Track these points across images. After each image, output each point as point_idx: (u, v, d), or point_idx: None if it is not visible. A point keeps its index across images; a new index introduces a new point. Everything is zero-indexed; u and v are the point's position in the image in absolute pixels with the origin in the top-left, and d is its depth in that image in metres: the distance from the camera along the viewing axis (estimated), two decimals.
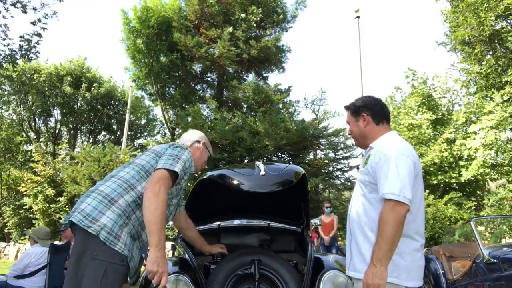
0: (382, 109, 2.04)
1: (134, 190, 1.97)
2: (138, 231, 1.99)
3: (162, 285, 1.86)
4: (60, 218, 13.64)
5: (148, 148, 2.21)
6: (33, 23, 8.21)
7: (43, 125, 21.66)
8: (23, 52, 8.35)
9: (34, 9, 8.26)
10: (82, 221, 1.82)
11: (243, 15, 12.34)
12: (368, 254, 1.79)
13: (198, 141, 2.43)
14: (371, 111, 2.01)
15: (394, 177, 1.72)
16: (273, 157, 11.17)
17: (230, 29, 12.04)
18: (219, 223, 3.60)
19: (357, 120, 2.04)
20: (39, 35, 8.28)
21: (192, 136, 2.47)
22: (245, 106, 12.88)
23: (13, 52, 8.34)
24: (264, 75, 14.32)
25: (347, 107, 2.13)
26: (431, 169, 9.72)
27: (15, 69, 10.38)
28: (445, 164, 9.97)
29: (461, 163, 10.05)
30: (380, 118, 2.01)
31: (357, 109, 2.05)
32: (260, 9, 12.42)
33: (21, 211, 16.75)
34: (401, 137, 2.01)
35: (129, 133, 19.78)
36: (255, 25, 12.75)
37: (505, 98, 10.52)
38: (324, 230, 7.57)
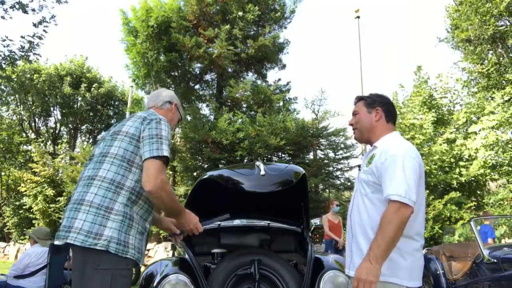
0: (395, 111, 2.06)
1: (123, 189, 1.78)
2: (143, 225, 1.86)
3: (199, 229, 2.03)
4: (59, 218, 13.63)
5: (116, 130, 1.92)
6: (35, 25, 8.22)
7: (43, 125, 21.67)
8: (23, 53, 8.36)
9: (33, 10, 8.27)
10: (86, 241, 1.68)
11: (240, 13, 12.33)
12: None
13: (170, 102, 2.19)
14: (386, 108, 2.01)
15: (401, 178, 1.70)
16: (273, 157, 11.17)
17: (228, 26, 12.03)
18: (219, 223, 3.60)
19: (369, 112, 2.01)
20: (40, 37, 8.29)
21: (163, 96, 2.19)
22: (245, 106, 12.88)
23: (12, 53, 8.35)
24: (264, 73, 14.30)
25: (360, 97, 2.10)
26: (432, 169, 9.70)
27: (14, 69, 10.39)
28: (446, 164, 9.96)
29: (462, 163, 10.04)
30: (391, 118, 2.02)
31: (373, 101, 2.03)
32: (257, 7, 12.41)
33: (21, 211, 16.76)
34: (403, 138, 2.01)
35: None
36: (252, 22, 12.74)
37: (506, 98, 10.52)
38: (335, 232, 6.80)
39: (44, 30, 8.29)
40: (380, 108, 2.00)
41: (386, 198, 1.72)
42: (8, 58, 8.36)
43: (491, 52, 11.98)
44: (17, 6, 8.02)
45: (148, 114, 1.93)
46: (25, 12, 8.08)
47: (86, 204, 1.76)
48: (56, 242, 1.91)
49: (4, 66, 8.70)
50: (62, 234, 1.75)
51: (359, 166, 2.00)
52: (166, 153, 1.77)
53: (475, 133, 10.04)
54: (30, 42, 8.28)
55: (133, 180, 1.80)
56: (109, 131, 2.01)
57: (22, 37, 8.26)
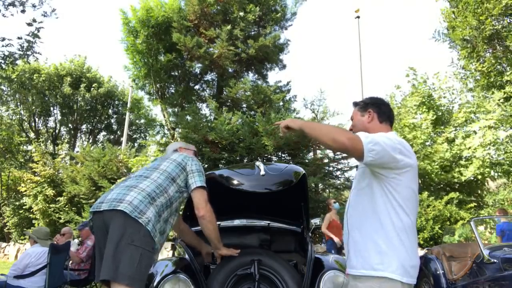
0: (389, 111, 2.10)
1: (166, 193, 2.25)
2: (165, 228, 2.23)
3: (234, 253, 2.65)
4: (59, 218, 13.62)
5: (165, 157, 2.59)
6: (29, 24, 8.19)
7: (42, 125, 21.67)
8: (22, 53, 8.34)
9: (33, 6, 8.26)
10: (133, 212, 2.02)
11: (241, 14, 12.34)
12: (364, 249, 1.80)
13: (175, 150, 2.83)
14: (378, 109, 2.05)
15: (371, 134, 1.77)
16: (273, 157, 11.17)
17: (229, 27, 12.04)
18: (219, 223, 3.60)
19: (362, 115, 2.07)
20: (36, 35, 8.26)
21: (169, 148, 2.90)
22: (244, 106, 12.88)
23: (12, 53, 8.33)
24: (264, 73, 14.30)
25: (355, 103, 2.17)
26: (434, 168, 9.70)
27: (14, 70, 10.37)
28: (446, 163, 9.96)
29: (462, 162, 10.04)
30: (384, 118, 2.05)
31: (365, 105, 2.09)
32: (258, 7, 12.41)
33: (21, 211, 16.74)
34: (399, 137, 2.01)
35: (129, 133, 19.80)
36: (253, 22, 12.75)
37: (505, 96, 10.54)
38: (338, 231, 6.86)
39: (37, 29, 8.25)
40: (372, 109, 2.05)
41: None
42: (8, 58, 8.35)
43: (489, 51, 11.99)
44: (16, 3, 8.01)
45: (188, 157, 2.53)
46: (23, 11, 8.06)
47: (139, 189, 2.17)
48: (93, 210, 2.19)
49: (4, 66, 8.69)
50: (114, 204, 2.06)
51: (356, 166, 2.02)
52: (205, 184, 2.43)
53: (475, 132, 10.05)
54: (29, 41, 8.26)
55: (173, 191, 2.30)
56: (161, 158, 2.57)
57: (19, 38, 8.24)
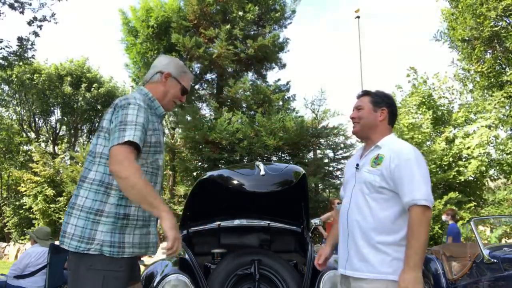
0: (397, 113, 2.11)
1: (113, 189, 1.70)
2: (144, 216, 1.79)
3: (178, 249, 1.64)
4: (60, 218, 13.64)
5: (100, 126, 1.77)
6: (30, 23, 8.19)
7: (43, 125, 21.67)
8: (19, 54, 8.35)
9: (30, 5, 8.26)
10: (80, 247, 1.67)
11: (240, 13, 12.35)
12: (369, 255, 1.79)
13: (161, 72, 1.90)
14: (391, 109, 2.02)
15: (421, 182, 1.75)
16: (273, 157, 11.17)
17: (228, 26, 12.05)
18: (219, 223, 3.61)
19: (375, 110, 2.00)
20: (36, 33, 8.25)
21: (155, 66, 1.95)
22: (244, 105, 12.89)
23: (11, 55, 8.34)
24: (264, 73, 14.29)
25: (367, 92, 2.08)
26: (432, 168, 9.70)
27: (13, 71, 10.38)
28: (445, 163, 9.97)
29: (461, 162, 10.05)
30: (393, 119, 2.05)
31: (381, 100, 2.02)
32: (257, 7, 12.43)
33: (21, 211, 16.76)
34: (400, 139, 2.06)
35: None
36: (252, 22, 12.76)
37: (505, 96, 10.55)
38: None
39: (39, 26, 8.24)
40: (386, 108, 2.00)
41: (412, 203, 1.73)
42: (7, 60, 8.36)
43: (489, 52, 11.99)
44: (16, 4, 8.02)
45: (120, 99, 1.77)
46: (22, 13, 8.07)
47: (77, 208, 1.72)
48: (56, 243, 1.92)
49: (4, 66, 8.70)
50: (60, 239, 1.77)
51: (357, 165, 1.98)
52: (128, 137, 1.60)
53: (474, 132, 10.07)
54: (26, 39, 8.24)
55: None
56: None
57: (19, 38, 8.23)
